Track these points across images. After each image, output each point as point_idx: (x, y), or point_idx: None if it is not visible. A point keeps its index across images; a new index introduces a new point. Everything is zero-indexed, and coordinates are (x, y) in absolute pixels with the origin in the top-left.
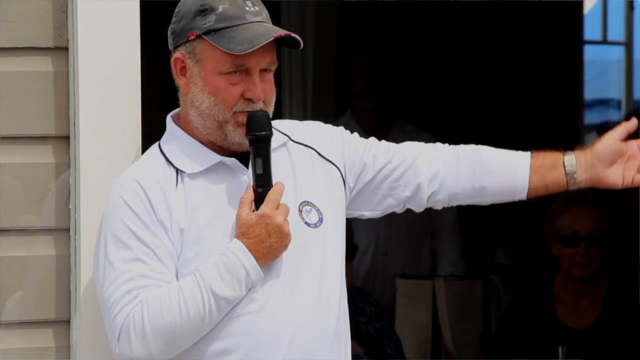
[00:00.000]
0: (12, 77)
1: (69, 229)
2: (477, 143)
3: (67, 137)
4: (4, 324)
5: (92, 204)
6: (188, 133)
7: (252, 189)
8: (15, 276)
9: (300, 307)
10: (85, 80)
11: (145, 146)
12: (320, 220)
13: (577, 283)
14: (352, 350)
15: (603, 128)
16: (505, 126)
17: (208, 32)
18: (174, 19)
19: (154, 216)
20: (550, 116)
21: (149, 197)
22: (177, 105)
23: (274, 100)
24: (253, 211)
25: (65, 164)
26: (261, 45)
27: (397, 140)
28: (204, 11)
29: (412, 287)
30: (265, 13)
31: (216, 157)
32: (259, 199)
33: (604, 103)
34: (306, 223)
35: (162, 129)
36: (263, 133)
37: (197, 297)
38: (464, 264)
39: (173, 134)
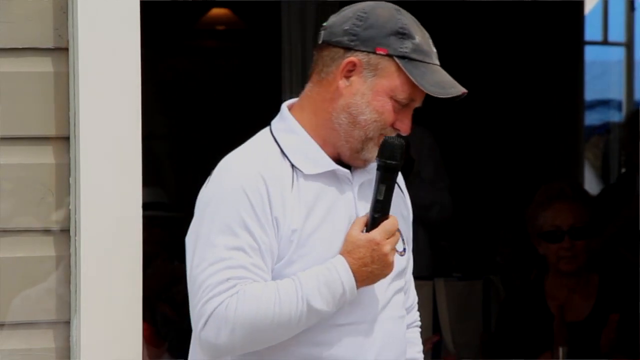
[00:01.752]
0: (12, 78)
1: (69, 230)
2: (478, 143)
3: (67, 138)
4: (4, 325)
5: (92, 205)
6: (306, 130)
7: (369, 212)
8: (15, 277)
9: (388, 323)
10: (85, 80)
11: (145, 146)
12: (404, 249)
13: (568, 280)
14: None
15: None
16: (505, 127)
17: (402, 57)
18: (357, 22)
19: (269, 213)
20: (550, 117)
21: (270, 193)
22: (177, 106)
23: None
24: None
25: (66, 165)
26: (451, 94)
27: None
28: (402, 35)
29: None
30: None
31: (332, 164)
32: (372, 224)
33: (604, 104)
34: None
35: (161, 128)
36: (394, 163)
37: (292, 302)
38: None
39: (290, 128)
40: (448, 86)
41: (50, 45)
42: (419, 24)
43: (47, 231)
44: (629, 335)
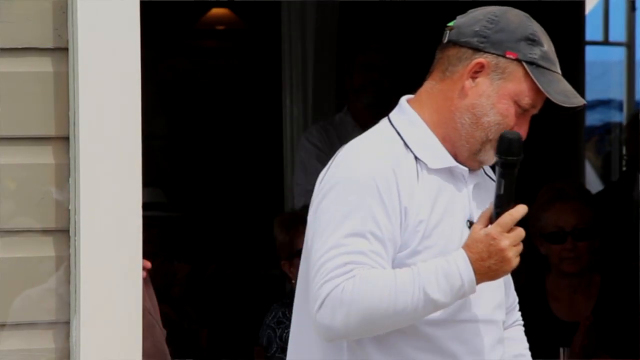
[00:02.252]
0: (12, 78)
1: (68, 230)
2: None
3: (67, 138)
4: (4, 325)
5: (92, 205)
6: (431, 130)
7: (490, 206)
8: (15, 277)
9: (498, 324)
10: (85, 81)
11: (145, 146)
12: None
13: (570, 280)
14: None
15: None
16: None
17: (530, 63)
18: (488, 24)
19: (397, 203)
20: (551, 117)
21: (398, 183)
22: (176, 106)
23: None
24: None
25: (65, 165)
26: (573, 104)
27: None
28: (532, 41)
29: None
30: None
31: (453, 161)
32: (494, 219)
33: (605, 104)
34: None
35: (161, 128)
36: (514, 158)
37: (408, 290)
38: None
39: (412, 121)
40: (572, 96)
41: (50, 45)
42: (545, 32)
43: (46, 231)
44: (629, 335)
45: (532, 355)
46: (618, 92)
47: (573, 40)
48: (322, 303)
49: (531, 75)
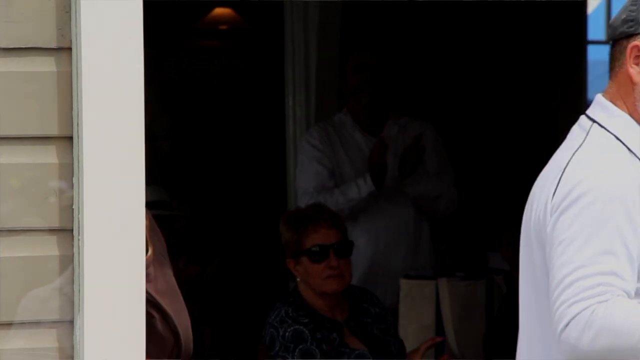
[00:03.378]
0: (14, 77)
1: (72, 230)
2: (481, 142)
3: (71, 138)
4: (8, 325)
5: (95, 205)
6: (633, 118)
7: None
8: (19, 277)
9: None
10: (88, 80)
11: (149, 146)
12: None
13: None
14: (357, 349)
15: None
16: (509, 126)
17: None
18: (632, 7)
19: (638, 220)
20: (554, 116)
21: (635, 200)
22: (179, 105)
23: None
24: None
25: (69, 165)
26: None
27: (391, 133)
28: None
29: (415, 288)
30: None
31: None
32: None
33: None
34: None
35: (164, 128)
36: None
37: None
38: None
39: (627, 123)
40: None
41: (53, 45)
42: None
43: (51, 230)
44: None
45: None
46: None
47: (576, 39)
48: (569, 322)
49: None
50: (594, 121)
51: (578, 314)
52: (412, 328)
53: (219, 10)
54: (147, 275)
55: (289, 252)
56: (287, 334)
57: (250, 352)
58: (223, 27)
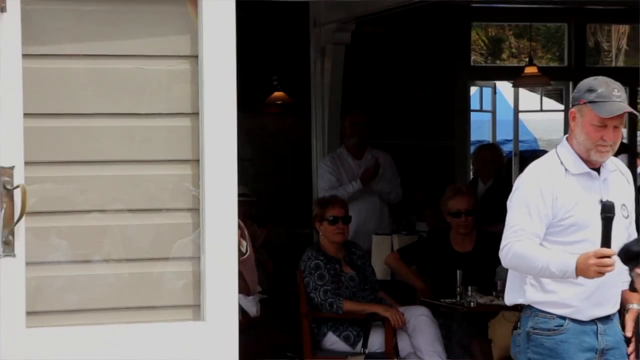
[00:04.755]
0: (171, 131)
1: (199, 209)
2: (407, 161)
3: (198, 160)
4: (166, 259)
5: (210, 196)
6: (573, 149)
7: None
8: (173, 234)
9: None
10: (209, 133)
11: (239, 164)
12: (627, 215)
13: (462, 235)
14: (349, 273)
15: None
16: (423, 146)
17: (590, 102)
18: (574, 92)
19: (548, 195)
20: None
21: (551, 184)
22: (257, 141)
23: (618, 143)
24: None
25: (197, 175)
26: (614, 115)
27: (367, 159)
28: (591, 90)
29: (380, 240)
30: (624, 97)
31: (587, 168)
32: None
33: (480, 142)
34: (623, 216)
35: (248, 153)
36: (609, 215)
37: (544, 262)
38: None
39: (568, 150)
40: (615, 110)
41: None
42: (607, 81)
43: (187, 209)
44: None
45: (440, 272)
46: (487, 136)
47: (463, 108)
48: (501, 250)
49: (591, 108)
50: (556, 148)
51: (505, 245)
52: (378, 262)
53: (277, 94)
54: (244, 254)
55: (316, 219)
56: (311, 264)
57: (293, 274)
58: (279, 102)
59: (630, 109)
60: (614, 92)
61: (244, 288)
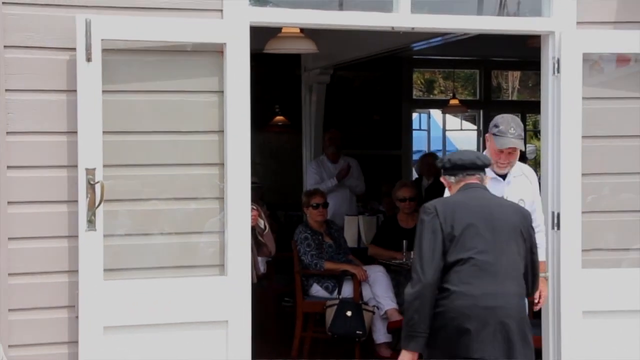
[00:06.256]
0: (203, 143)
1: (223, 197)
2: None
3: (222, 164)
4: (199, 233)
5: (232, 188)
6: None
7: None
8: (203, 215)
9: None
10: (232, 147)
11: (252, 167)
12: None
13: (407, 215)
14: (328, 242)
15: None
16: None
17: (494, 134)
18: (491, 122)
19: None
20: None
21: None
22: (264, 154)
23: (513, 161)
24: None
25: (222, 174)
26: (505, 147)
27: (341, 163)
28: (496, 126)
29: (350, 219)
30: (518, 133)
31: (494, 174)
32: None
33: (420, 152)
34: None
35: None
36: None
37: None
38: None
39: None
40: (505, 144)
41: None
42: (509, 120)
43: (214, 198)
44: None
45: (388, 245)
46: (424, 147)
47: (408, 128)
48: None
49: (494, 139)
50: None
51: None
52: (349, 236)
53: (278, 117)
54: (264, 230)
55: (304, 205)
56: (301, 236)
57: (289, 243)
58: (280, 123)
59: (515, 145)
60: (510, 130)
61: (267, 252)
